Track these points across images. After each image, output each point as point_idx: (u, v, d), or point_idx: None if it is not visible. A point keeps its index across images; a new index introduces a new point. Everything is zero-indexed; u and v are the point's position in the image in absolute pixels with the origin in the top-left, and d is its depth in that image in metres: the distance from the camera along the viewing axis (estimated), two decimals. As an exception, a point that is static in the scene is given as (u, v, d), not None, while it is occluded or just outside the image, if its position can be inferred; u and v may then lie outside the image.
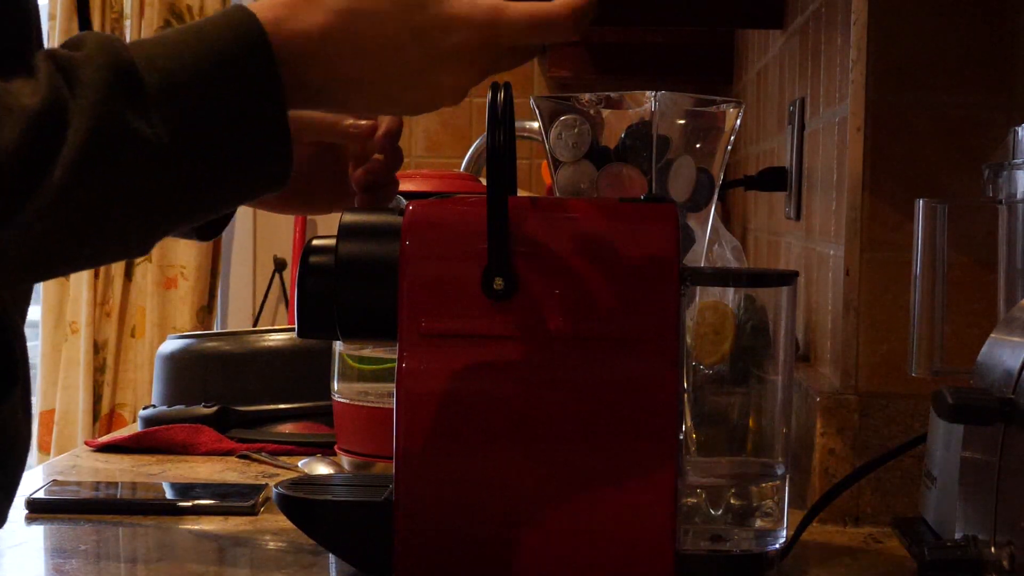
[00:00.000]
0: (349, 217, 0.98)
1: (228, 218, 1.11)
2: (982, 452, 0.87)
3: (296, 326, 0.99)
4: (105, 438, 1.50)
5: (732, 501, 1.01)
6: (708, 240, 1.17)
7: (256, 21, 0.78)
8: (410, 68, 0.83)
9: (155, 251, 3.34)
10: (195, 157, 0.77)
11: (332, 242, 0.97)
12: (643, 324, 0.92)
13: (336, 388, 1.33)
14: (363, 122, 1.07)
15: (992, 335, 0.93)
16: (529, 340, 0.93)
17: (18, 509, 1.17)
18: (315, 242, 0.98)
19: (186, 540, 1.10)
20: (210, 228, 1.11)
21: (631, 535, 0.92)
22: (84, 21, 1.05)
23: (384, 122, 1.07)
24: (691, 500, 1.00)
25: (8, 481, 0.96)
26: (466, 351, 0.93)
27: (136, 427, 1.55)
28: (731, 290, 1.03)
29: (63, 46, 0.77)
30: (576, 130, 1.15)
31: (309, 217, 3.37)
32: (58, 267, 0.79)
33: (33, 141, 0.73)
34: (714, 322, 1.02)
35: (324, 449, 1.41)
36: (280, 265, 3.40)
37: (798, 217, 1.55)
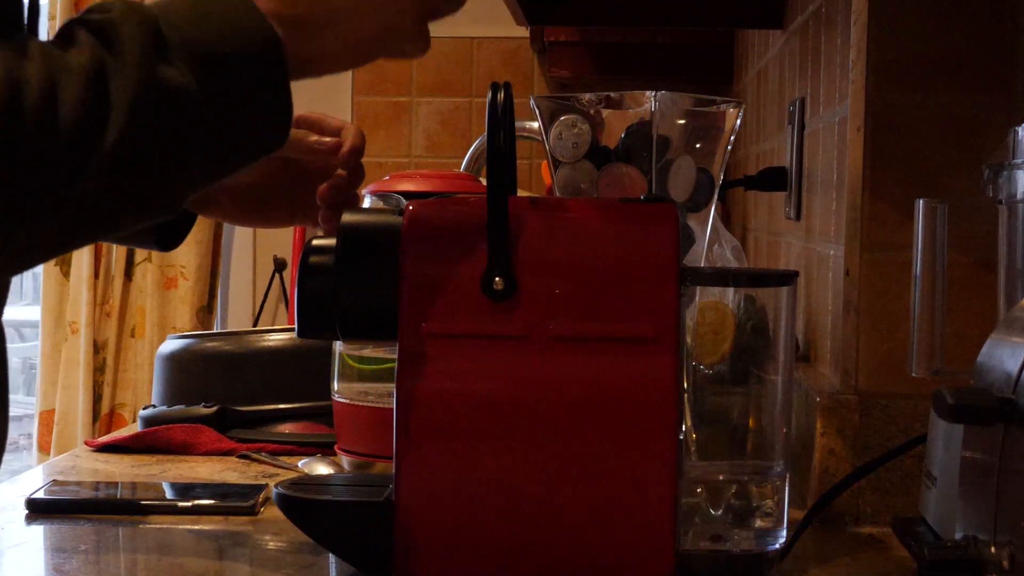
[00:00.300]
0: (349, 217, 0.98)
1: (189, 226, 1.16)
2: (982, 452, 0.87)
3: (296, 326, 0.99)
4: (105, 438, 1.50)
5: (732, 501, 1.01)
6: (708, 240, 1.17)
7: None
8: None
9: (155, 251, 3.34)
10: (218, 106, 0.81)
11: (332, 242, 0.97)
12: (643, 324, 0.92)
13: (336, 388, 1.33)
14: (327, 139, 1.11)
15: (992, 335, 0.93)
16: (529, 340, 0.93)
17: (18, 509, 1.17)
18: (315, 242, 0.98)
19: (186, 540, 1.10)
20: (171, 237, 1.15)
21: (631, 535, 0.92)
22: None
23: (348, 139, 1.12)
24: (691, 500, 1.00)
25: None
26: (466, 351, 0.93)
27: (136, 427, 1.55)
28: (731, 290, 1.03)
29: (89, 10, 0.81)
30: (576, 130, 1.15)
31: (309, 217, 3.36)
32: (108, 226, 0.82)
33: (92, 99, 0.76)
34: (714, 322, 1.02)
35: (324, 449, 1.41)
36: (280, 265, 3.40)
37: (798, 217, 1.55)
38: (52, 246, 0.81)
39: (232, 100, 0.82)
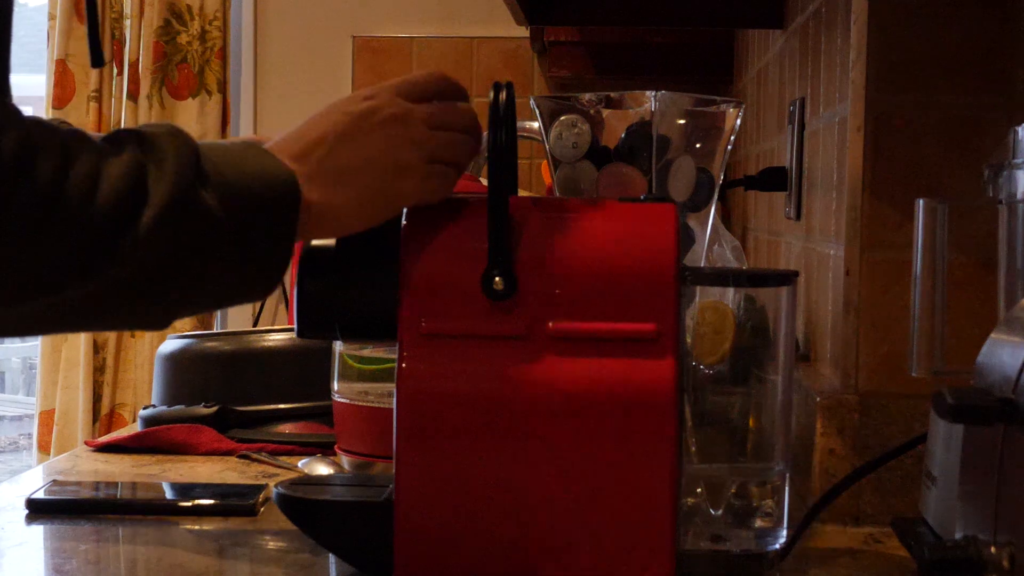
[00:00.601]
0: None
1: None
2: (982, 452, 0.87)
3: (296, 326, 0.99)
4: (105, 438, 1.50)
5: (732, 501, 1.01)
6: (708, 240, 1.17)
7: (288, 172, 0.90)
8: (380, 143, 0.93)
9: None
10: (237, 234, 0.86)
11: (332, 242, 0.97)
12: (643, 324, 0.92)
13: (336, 388, 1.33)
14: None
15: (992, 335, 0.93)
16: (529, 340, 0.93)
17: (18, 509, 1.17)
18: (315, 242, 0.98)
19: (186, 540, 1.10)
20: None
21: (631, 535, 0.92)
22: (93, 26, 1.12)
23: None
24: (691, 500, 1.00)
25: None
26: (466, 351, 0.93)
27: (136, 427, 1.55)
28: (731, 290, 1.03)
29: (137, 128, 0.87)
30: (576, 130, 1.15)
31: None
32: (109, 321, 0.88)
33: (131, 189, 0.82)
34: (714, 322, 1.02)
35: (324, 449, 1.41)
36: (280, 265, 3.39)
37: (798, 217, 1.55)
38: (65, 322, 0.86)
39: (249, 234, 0.86)
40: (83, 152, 0.81)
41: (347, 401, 1.31)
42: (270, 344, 1.57)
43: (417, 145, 0.94)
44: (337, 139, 0.92)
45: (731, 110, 1.17)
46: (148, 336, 3.33)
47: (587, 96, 1.16)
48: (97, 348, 3.35)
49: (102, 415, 3.36)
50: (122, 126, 3.34)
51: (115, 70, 3.35)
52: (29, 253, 0.79)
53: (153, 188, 0.82)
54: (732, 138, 1.17)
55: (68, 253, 0.80)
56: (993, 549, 0.83)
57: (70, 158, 0.80)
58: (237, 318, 3.48)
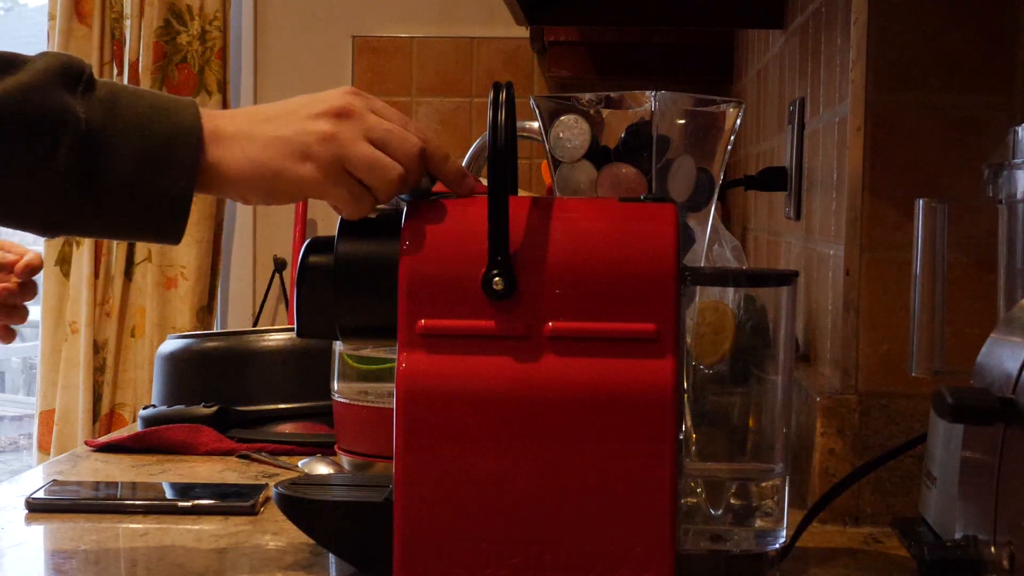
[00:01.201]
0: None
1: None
2: (982, 452, 0.87)
3: (295, 326, 0.99)
4: (105, 438, 1.50)
5: (732, 501, 1.01)
6: (708, 240, 1.17)
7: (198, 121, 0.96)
8: (303, 125, 0.96)
9: (155, 251, 3.35)
10: (113, 152, 0.93)
11: (331, 242, 0.97)
12: (643, 324, 0.92)
13: (336, 388, 1.33)
14: (11, 255, 1.35)
15: (992, 335, 0.93)
16: (529, 340, 0.93)
17: (18, 509, 1.17)
18: (314, 242, 0.98)
19: (186, 540, 1.10)
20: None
21: (631, 535, 0.92)
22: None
23: (27, 256, 1.36)
24: (691, 500, 1.00)
25: None
26: (466, 351, 0.93)
27: (136, 427, 1.55)
28: (731, 290, 1.03)
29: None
30: (576, 130, 1.15)
31: (309, 217, 3.37)
32: None
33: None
34: (714, 322, 1.02)
35: (324, 449, 1.41)
36: (280, 265, 3.40)
37: (798, 217, 1.55)
38: None
39: (131, 161, 0.94)
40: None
41: (347, 401, 1.31)
42: (270, 344, 1.57)
43: (337, 144, 0.95)
44: (271, 112, 0.96)
45: (731, 110, 1.17)
46: (148, 336, 3.33)
47: (587, 96, 1.16)
48: (97, 348, 3.35)
49: (102, 415, 3.36)
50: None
51: (115, 70, 3.35)
52: None
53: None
54: (732, 138, 1.17)
55: None
56: (993, 549, 0.83)
57: None
58: (237, 318, 3.48)
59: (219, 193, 0.97)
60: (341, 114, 0.96)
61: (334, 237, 0.97)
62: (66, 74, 0.93)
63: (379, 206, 1.09)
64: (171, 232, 0.96)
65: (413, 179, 0.97)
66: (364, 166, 0.95)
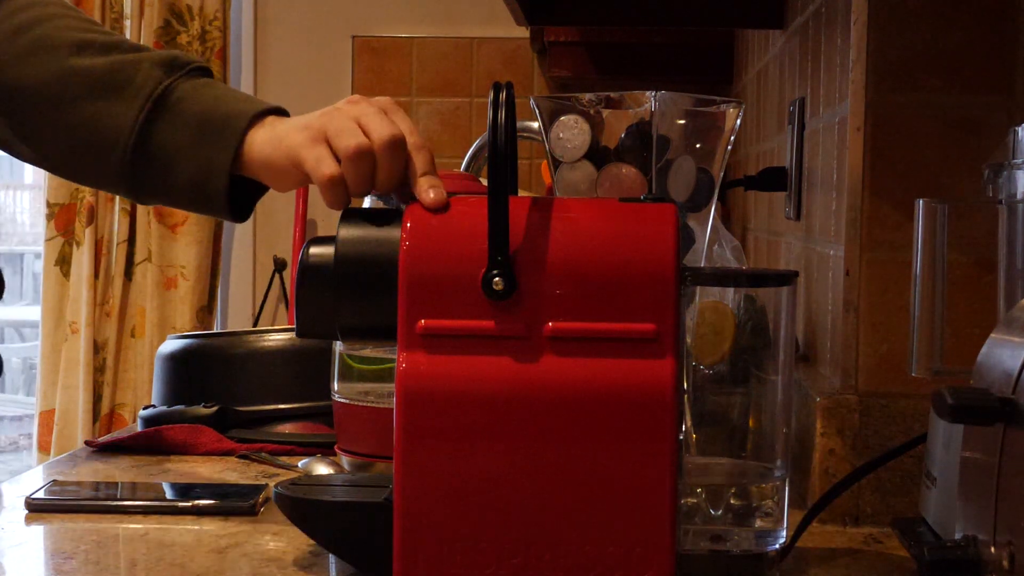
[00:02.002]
0: (348, 216, 0.98)
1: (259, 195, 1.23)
2: (982, 452, 0.87)
3: (295, 326, 0.99)
4: (105, 438, 1.49)
5: (732, 501, 1.01)
6: (708, 240, 1.17)
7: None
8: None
9: (155, 251, 3.35)
10: (177, 118, 1.11)
11: (332, 241, 0.97)
12: (643, 324, 0.92)
13: (336, 388, 1.33)
14: None
15: (992, 335, 0.93)
16: (529, 340, 0.93)
17: (18, 509, 1.17)
18: (314, 241, 0.98)
19: (186, 540, 1.10)
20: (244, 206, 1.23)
21: (631, 535, 0.92)
22: None
23: None
24: (691, 500, 1.00)
25: None
26: (466, 351, 0.93)
27: (136, 427, 1.55)
28: (731, 290, 1.03)
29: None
30: (576, 130, 1.15)
31: (309, 217, 3.37)
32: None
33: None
34: (714, 322, 1.02)
35: (324, 449, 1.41)
36: (280, 265, 3.40)
37: (798, 217, 1.55)
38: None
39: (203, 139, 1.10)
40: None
41: (347, 401, 1.31)
42: (270, 344, 1.57)
43: (328, 117, 1.03)
44: (301, 119, 1.07)
45: (731, 110, 1.17)
46: (148, 336, 3.33)
47: (587, 96, 1.16)
48: (97, 348, 3.35)
49: (102, 415, 3.36)
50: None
51: (115, 70, 3.35)
52: None
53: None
54: (732, 138, 1.17)
55: None
56: (993, 549, 0.83)
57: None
58: (237, 318, 3.48)
59: (254, 173, 1.08)
60: (349, 101, 1.05)
61: (334, 237, 0.97)
62: (170, 62, 1.12)
63: (378, 207, 1.09)
64: (218, 204, 1.09)
65: (385, 165, 1.01)
66: (334, 131, 1.02)
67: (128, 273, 3.37)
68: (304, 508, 0.99)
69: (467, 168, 2.33)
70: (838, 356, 1.22)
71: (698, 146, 1.16)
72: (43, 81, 1.12)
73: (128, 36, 3.34)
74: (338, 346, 1.32)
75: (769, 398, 1.02)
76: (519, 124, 2.23)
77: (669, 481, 0.91)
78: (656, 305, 0.92)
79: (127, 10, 3.34)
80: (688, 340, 1.00)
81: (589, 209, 0.97)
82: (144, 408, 1.57)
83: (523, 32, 2.90)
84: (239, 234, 3.45)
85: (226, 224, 3.42)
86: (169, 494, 1.22)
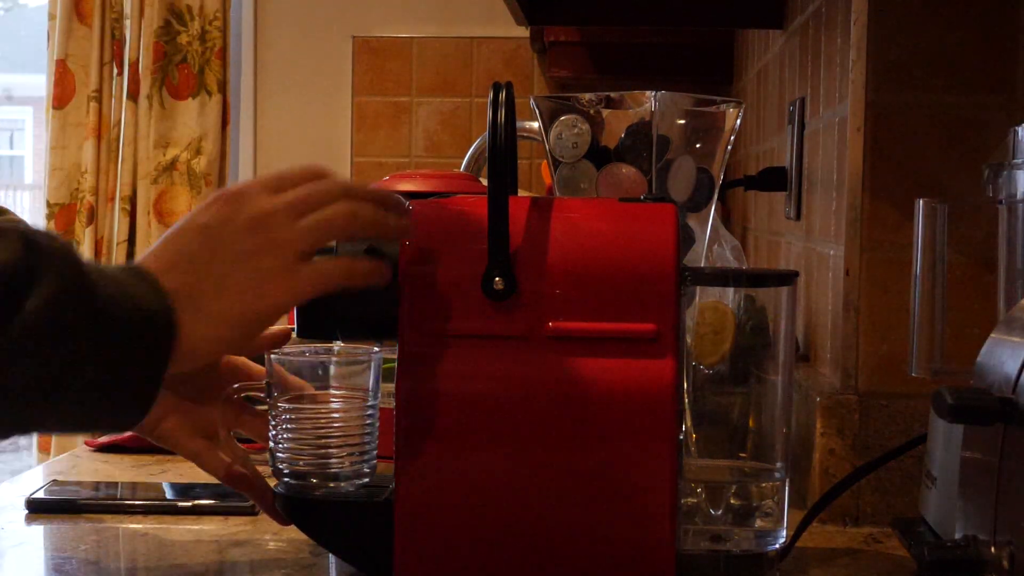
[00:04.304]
0: None
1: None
2: (982, 452, 0.87)
3: (296, 326, 0.99)
4: (105, 438, 1.49)
5: (732, 501, 1.01)
6: (708, 240, 1.18)
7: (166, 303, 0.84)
8: (243, 253, 0.87)
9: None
10: (111, 368, 0.81)
11: (332, 242, 0.97)
12: (643, 324, 0.92)
13: (336, 388, 1.33)
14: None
15: (992, 335, 0.93)
16: (529, 340, 0.93)
17: (18, 509, 1.17)
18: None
19: (186, 540, 1.10)
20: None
21: (631, 535, 0.92)
22: None
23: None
24: (691, 500, 1.00)
25: None
26: (466, 351, 0.93)
27: (136, 427, 1.54)
28: (731, 290, 1.03)
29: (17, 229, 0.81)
30: (576, 130, 1.15)
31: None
32: None
33: (25, 266, 0.78)
34: (714, 322, 1.02)
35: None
36: (280, 265, 3.39)
37: (798, 217, 1.55)
38: None
39: (121, 363, 0.82)
40: None
41: (347, 401, 1.31)
42: (270, 344, 1.56)
43: (279, 246, 0.87)
44: (192, 262, 0.86)
45: (731, 110, 1.17)
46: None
47: (587, 96, 1.16)
48: (97, 348, 3.34)
49: (102, 415, 3.35)
50: (122, 126, 3.34)
51: (115, 70, 3.35)
52: None
53: (44, 276, 0.78)
54: (732, 138, 1.17)
55: None
56: (993, 549, 0.83)
57: None
58: (237, 318, 3.48)
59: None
60: (256, 221, 0.87)
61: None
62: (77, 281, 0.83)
63: None
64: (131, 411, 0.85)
65: (365, 213, 0.90)
66: (324, 234, 0.89)
67: (128, 273, 3.37)
68: (304, 508, 0.99)
69: (467, 168, 2.33)
70: (838, 356, 1.22)
71: (698, 146, 1.16)
72: None
73: (128, 36, 3.34)
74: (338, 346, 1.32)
75: (769, 398, 1.02)
76: (519, 124, 2.23)
77: (669, 481, 0.91)
78: (656, 305, 0.92)
79: (127, 10, 3.34)
80: (688, 340, 1.00)
81: (589, 209, 0.97)
82: (144, 408, 1.56)
83: (523, 32, 2.90)
84: (239, 234, 3.45)
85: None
86: (169, 494, 1.22)
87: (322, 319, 0.97)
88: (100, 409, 0.84)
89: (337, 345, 1.06)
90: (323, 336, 0.99)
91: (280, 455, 0.99)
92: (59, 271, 0.79)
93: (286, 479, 0.99)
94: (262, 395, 1.01)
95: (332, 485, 0.99)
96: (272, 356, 0.99)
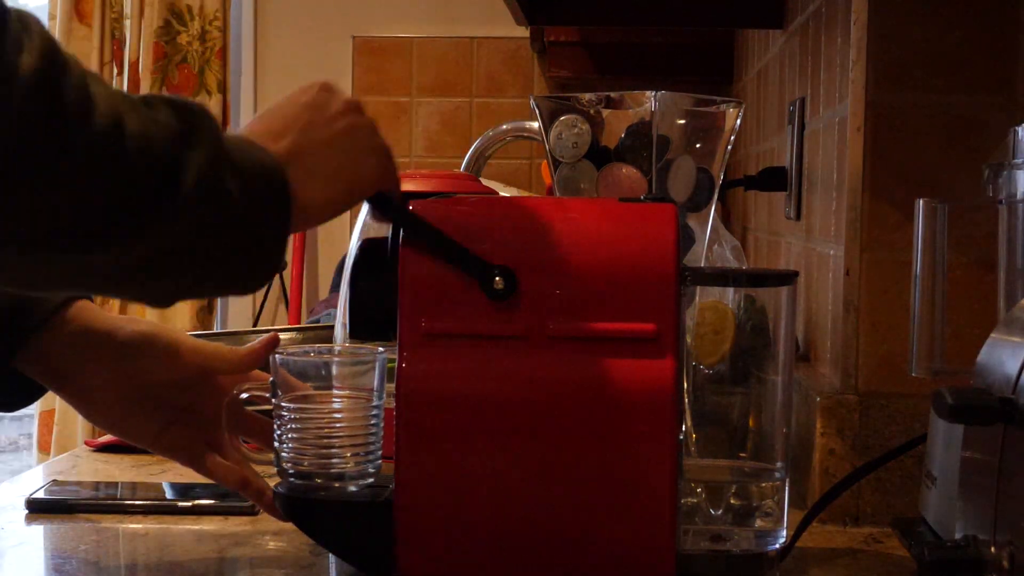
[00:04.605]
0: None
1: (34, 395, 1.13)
2: (982, 452, 0.87)
3: (348, 327, 0.98)
4: (105, 438, 1.49)
5: (732, 501, 1.01)
6: (708, 240, 1.18)
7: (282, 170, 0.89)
8: (343, 129, 0.94)
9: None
10: (251, 225, 0.86)
11: (386, 241, 0.96)
12: (643, 324, 0.92)
13: (336, 388, 1.32)
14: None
15: (992, 335, 0.93)
16: (529, 340, 0.93)
17: (18, 509, 1.17)
18: (369, 241, 0.98)
19: (186, 540, 1.10)
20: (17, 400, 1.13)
21: (631, 535, 0.92)
22: None
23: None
24: (691, 500, 1.00)
25: None
26: (466, 351, 0.93)
27: (136, 427, 1.54)
28: (731, 290, 1.03)
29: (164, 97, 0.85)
30: (576, 130, 1.15)
31: (309, 217, 3.36)
32: (121, 289, 0.88)
33: (172, 164, 0.81)
34: (714, 322, 1.02)
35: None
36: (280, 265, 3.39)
37: (798, 217, 1.55)
38: (79, 282, 0.84)
39: (257, 221, 0.87)
40: (131, 110, 0.80)
41: (347, 401, 1.31)
42: (270, 344, 1.56)
43: (371, 130, 0.94)
44: (298, 130, 0.92)
45: (731, 110, 1.17)
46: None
47: (587, 96, 1.16)
48: (97, 348, 3.34)
49: (102, 415, 3.35)
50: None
51: (115, 70, 3.35)
52: (81, 202, 0.77)
53: (190, 159, 0.82)
54: (732, 138, 1.17)
55: (119, 207, 0.78)
56: (993, 549, 0.83)
57: (120, 114, 0.79)
58: (237, 318, 3.48)
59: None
60: (351, 106, 0.95)
61: (387, 238, 0.96)
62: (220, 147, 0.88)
63: None
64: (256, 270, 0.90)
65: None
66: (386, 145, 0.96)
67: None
68: (304, 508, 0.99)
69: (467, 168, 2.33)
70: (838, 356, 1.22)
71: (698, 146, 1.16)
72: None
73: (128, 36, 3.34)
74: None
75: (769, 398, 1.02)
76: (519, 124, 2.23)
77: (669, 481, 0.91)
78: (656, 305, 0.92)
79: (127, 10, 3.34)
80: (688, 340, 1.00)
81: (589, 209, 0.97)
82: (144, 408, 1.56)
83: (523, 32, 2.90)
84: (239, 234, 3.45)
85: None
86: (169, 494, 1.22)
87: (377, 319, 0.97)
88: (240, 268, 0.88)
89: (339, 346, 1.06)
90: (376, 337, 0.99)
91: (285, 455, 0.99)
92: (207, 137, 0.84)
93: (291, 479, 0.99)
94: (267, 395, 1.01)
95: (337, 485, 0.99)
96: (276, 356, 1.00)
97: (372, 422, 1.00)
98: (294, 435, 0.99)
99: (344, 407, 1.00)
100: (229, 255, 0.86)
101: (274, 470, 1.01)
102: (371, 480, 0.99)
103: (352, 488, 0.99)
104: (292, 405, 0.99)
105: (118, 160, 0.78)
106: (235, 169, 0.84)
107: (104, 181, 0.77)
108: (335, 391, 1.01)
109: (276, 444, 1.00)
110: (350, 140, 0.93)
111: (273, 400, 1.00)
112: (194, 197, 0.81)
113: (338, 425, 1.00)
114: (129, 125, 0.79)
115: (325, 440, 0.99)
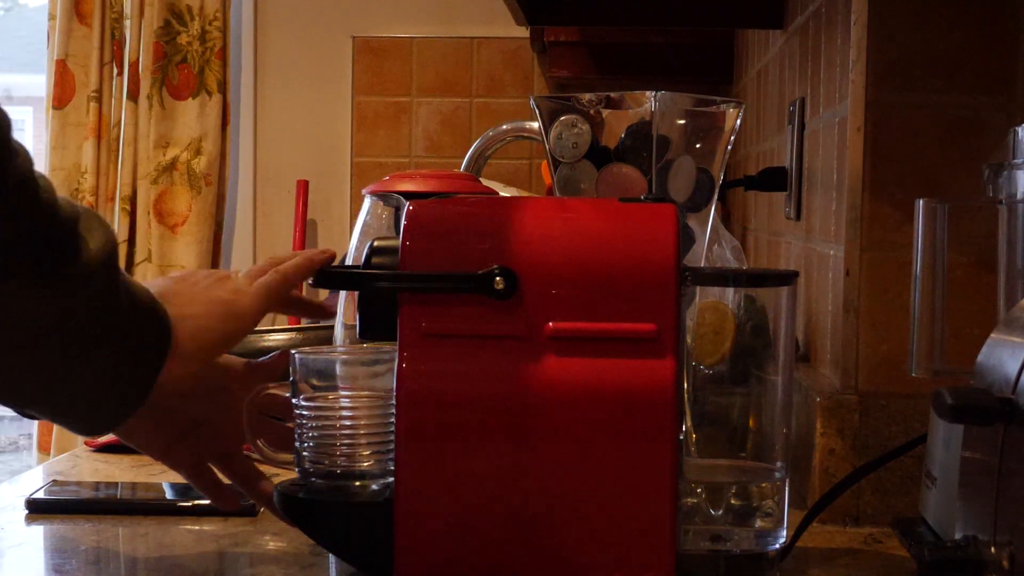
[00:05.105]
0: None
1: None
2: (982, 452, 0.87)
3: (358, 327, 0.98)
4: (105, 438, 1.49)
5: (732, 501, 1.01)
6: (708, 240, 1.17)
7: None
8: (209, 285, 1.00)
9: (155, 251, 3.35)
10: (124, 343, 0.90)
11: (396, 241, 0.96)
12: (643, 324, 0.92)
13: (336, 388, 1.32)
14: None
15: (992, 335, 0.93)
16: (529, 340, 0.93)
17: (18, 509, 1.17)
18: (378, 243, 0.98)
19: (186, 540, 1.10)
20: None
21: (631, 535, 0.92)
22: None
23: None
24: (691, 500, 1.00)
25: None
26: (466, 351, 0.93)
27: (136, 427, 1.54)
28: (731, 290, 1.03)
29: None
30: (576, 130, 1.15)
31: (310, 217, 3.36)
32: None
33: (73, 228, 0.87)
34: (714, 322, 1.02)
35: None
36: (280, 265, 3.39)
37: (798, 217, 1.55)
38: None
39: (133, 341, 0.91)
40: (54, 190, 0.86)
41: (347, 401, 1.31)
42: (270, 344, 1.56)
43: (236, 280, 1.00)
44: (168, 292, 0.97)
45: (731, 110, 1.17)
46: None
47: (587, 96, 1.16)
48: (97, 348, 3.34)
49: (102, 415, 3.35)
50: (122, 126, 3.34)
51: (115, 70, 3.35)
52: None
53: (94, 238, 0.87)
54: (732, 138, 1.17)
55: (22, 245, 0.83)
56: (993, 549, 0.83)
57: (50, 188, 0.86)
58: (237, 318, 3.47)
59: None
60: (214, 273, 1.02)
61: (397, 238, 0.96)
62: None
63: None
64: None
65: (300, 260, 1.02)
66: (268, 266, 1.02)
67: (128, 273, 3.37)
68: (304, 508, 0.99)
69: (467, 168, 2.33)
70: (838, 356, 1.22)
71: (698, 146, 1.16)
72: None
73: (128, 36, 3.34)
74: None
75: (769, 398, 1.02)
76: (519, 124, 2.23)
77: (669, 481, 0.91)
78: (656, 305, 0.92)
79: (127, 10, 3.34)
80: (688, 340, 1.00)
81: (589, 209, 0.97)
82: (144, 408, 1.56)
83: (523, 32, 2.90)
84: (239, 234, 3.45)
85: (226, 224, 3.42)
86: (169, 494, 1.22)
87: (386, 319, 0.97)
88: (100, 389, 0.90)
89: (358, 346, 1.06)
90: (386, 338, 0.99)
91: (305, 454, 0.99)
92: (109, 238, 0.89)
93: (312, 478, 0.99)
94: (287, 394, 1.01)
95: (359, 484, 0.99)
96: (296, 356, 1.00)
97: (391, 420, 1.00)
98: (315, 434, 0.99)
99: (364, 405, 1.00)
100: (101, 360, 0.89)
101: (278, 471, 1.01)
102: (391, 479, 0.99)
103: (374, 487, 0.99)
104: (312, 403, 0.99)
105: (34, 203, 0.83)
106: (128, 284, 0.90)
107: (19, 221, 0.83)
108: (354, 391, 1.01)
109: (297, 444, 1.00)
110: (215, 289, 0.98)
111: (293, 400, 1.00)
112: (94, 267, 0.86)
113: (359, 423, 1.00)
114: (45, 191, 0.85)
115: (346, 439, 0.99)
